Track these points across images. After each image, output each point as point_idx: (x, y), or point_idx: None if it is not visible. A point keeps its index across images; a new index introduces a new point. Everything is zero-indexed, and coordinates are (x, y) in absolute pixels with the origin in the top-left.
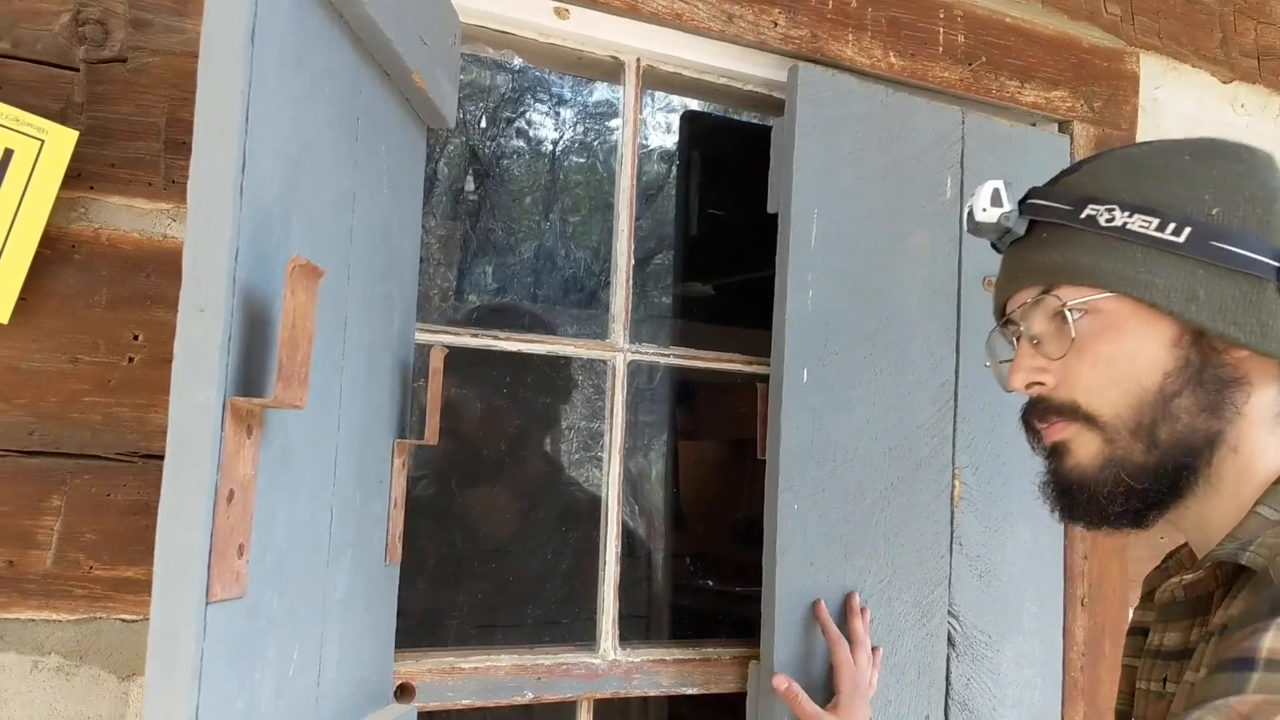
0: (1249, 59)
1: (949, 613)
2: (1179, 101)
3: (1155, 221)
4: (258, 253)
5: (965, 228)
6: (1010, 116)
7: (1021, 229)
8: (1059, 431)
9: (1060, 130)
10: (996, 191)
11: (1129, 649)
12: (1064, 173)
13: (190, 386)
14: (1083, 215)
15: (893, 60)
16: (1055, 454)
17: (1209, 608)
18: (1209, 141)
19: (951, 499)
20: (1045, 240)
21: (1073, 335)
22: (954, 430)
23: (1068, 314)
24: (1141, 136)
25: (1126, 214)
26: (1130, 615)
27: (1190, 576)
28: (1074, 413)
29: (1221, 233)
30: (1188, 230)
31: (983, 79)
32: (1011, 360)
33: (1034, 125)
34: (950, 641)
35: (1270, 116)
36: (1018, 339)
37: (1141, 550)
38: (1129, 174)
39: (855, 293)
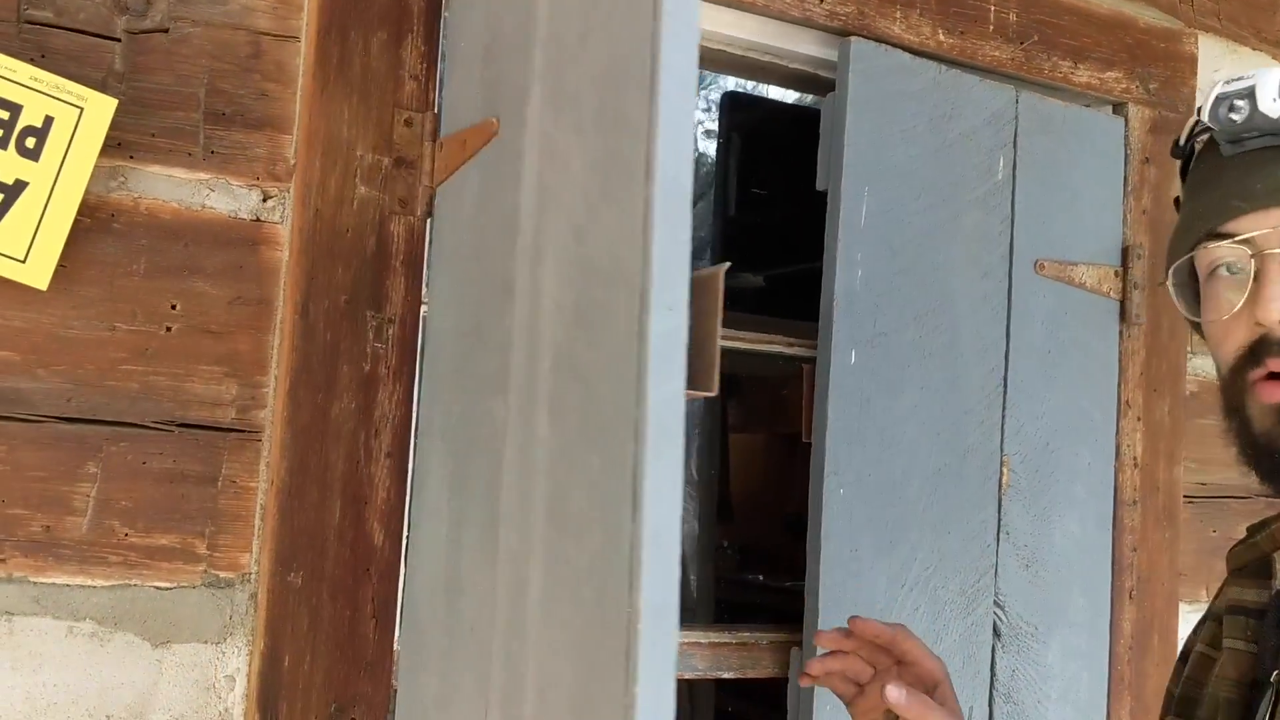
0: None
1: (995, 603)
2: None
3: None
4: None
5: (1208, 118)
6: (1064, 97)
7: None
8: None
9: (1115, 112)
10: (1269, 84)
11: (1237, 630)
12: None
13: (664, 378)
14: None
15: (942, 38)
16: None
17: None
18: None
19: (999, 487)
20: None
21: None
22: (1003, 417)
23: None
24: None
25: None
26: (1213, 598)
27: None
28: None
29: None
30: None
31: (1035, 59)
32: (1249, 292)
33: (1088, 106)
34: (996, 632)
35: None
36: (1259, 265)
37: (1190, 544)
38: None
39: (905, 273)
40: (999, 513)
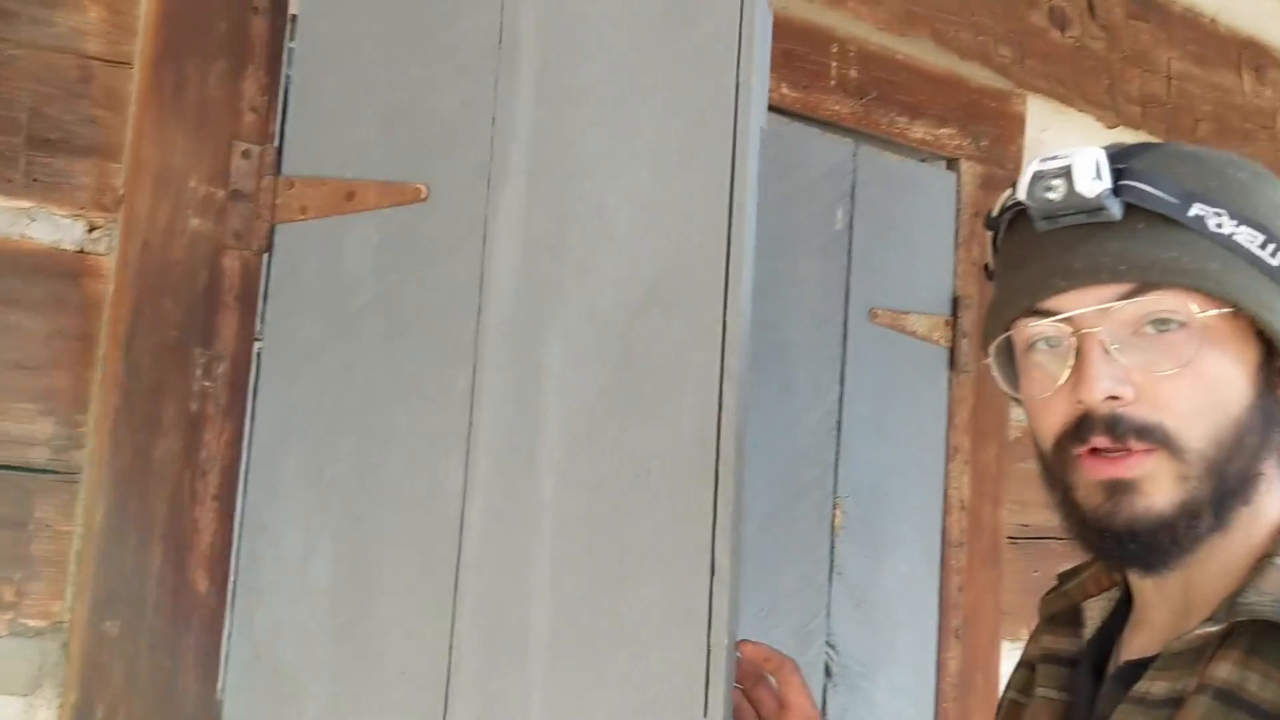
0: (1133, 105)
1: (827, 643)
2: (1064, 144)
3: (1261, 238)
4: None
5: (1024, 195)
6: (900, 151)
7: (1118, 213)
8: (1138, 464)
9: (948, 167)
10: (1099, 162)
11: (1049, 680)
12: (1125, 155)
13: None
14: (1191, 213)
15: (785, 91)
16: (1119, 491)
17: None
18: (1245, 159)
19: (832, 529)
20: (1142, 233)
21: (1194, 349)
22: (836, 459)
23: (1183, 322)
24: None
25: (1235, 223)
26: (1025, 646)
27: (1211, 629)
28: (1161, 439)
29: None
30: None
31: (874, 113)
32: (1070, 370)
33: (924, 160)
34: (828, 671)
35: None
36: (1080, 343)
37: (1013, 584)
38: (1219, 178)
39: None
40: (831, 553)
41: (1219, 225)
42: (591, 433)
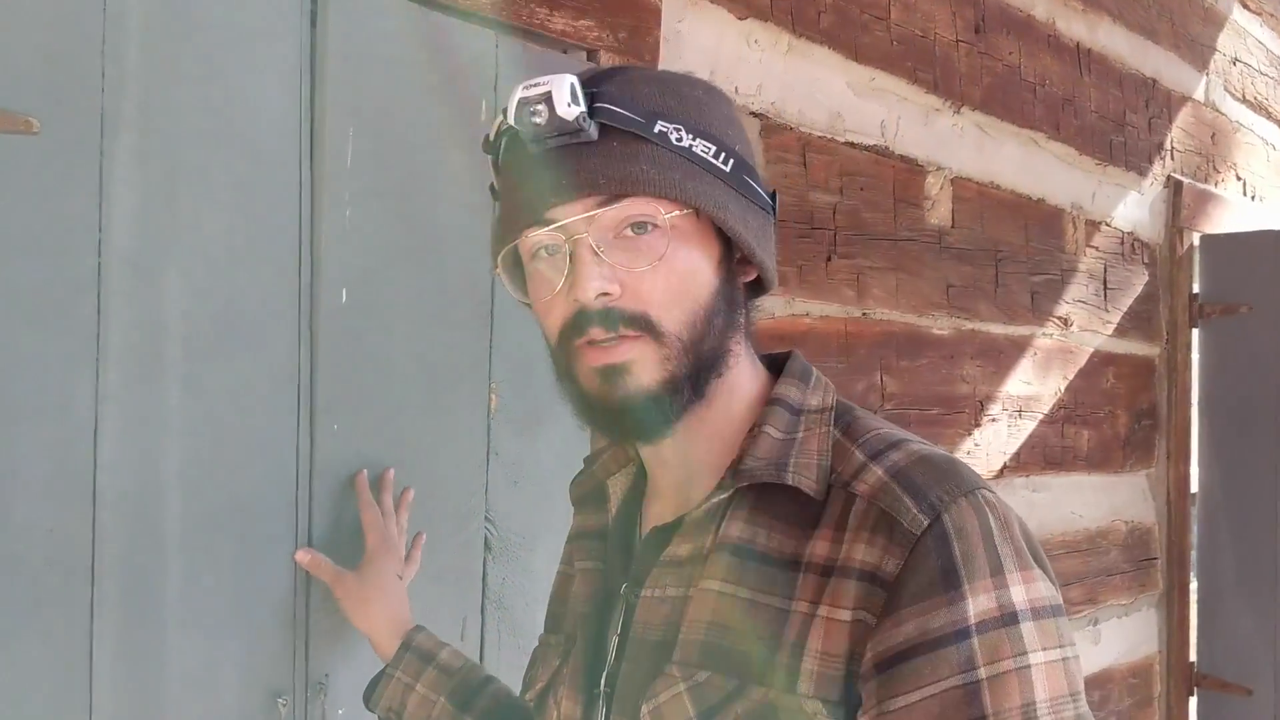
0: None
1: (486, 518)
2: (699, 35)
3: (713, 148)
4: None
5: (514, 120)
6: (541, 43)
7: (594, 133)
8: (626, 350)
9: (589, 59)
10: (574, 88)
11: (584, 553)
12: (597, 80)
13: None
14: (655, 130)
15: None
16: (613, 374)
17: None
18: (700, 79)
19: (488, 412)
20: (616, 149)
21: (664, 246)
22: (490, 345)
23: (655, 224)
24: (664, 67)
25: (691, 137)
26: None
27: (722, 495)
28: (645, 326)
29: (747, 168)
30: (731, 162)
31: (514, 4)
32: (566, 273)
33: (565, 53)
34: (487, 545)
35: (780, 52)
36: (573, 249)
37: None
38: (677, 97)
39: (395, 213)
40: (488, 435)
41: (679, 139)
42: (208, 350)
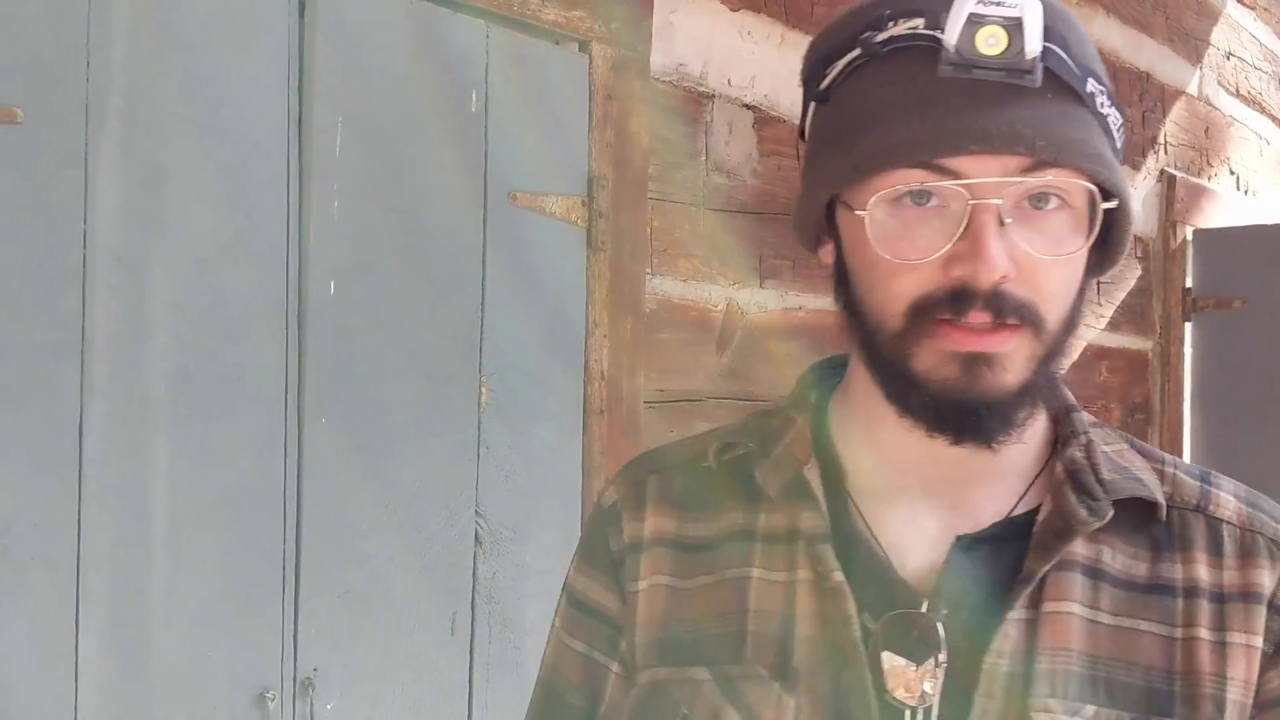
0: None
1: (476, 512)
2: (691, 27)
3: (1120, 120)
4: None
5: (955, 36)
6: (533, 34)
7: (1040, 80)
8: (1004, 339)
9: (580, 50)
10: (1044, 21)
11: (741, 558)
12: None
13: None
14: (1087, 89)
15: None
16: (979, 364)
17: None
18: None
19: (479, 406)
20: (1051, 104)
21: (1067, 231)
22: (481, 339)
23: (1065, 203)
24: (656, 59)
25: (1109, 104)
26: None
27: (1100, 520)
28: (1032, 317)
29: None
30: (1122, 137)
31: None
32: (956, 237)
33: (557, 44)
34: (478, 539)
35: (773, 44)
36: (973, 212)
37: (651, 444)
38: (1092, 51)
39: (384, 205)
40: (479, 429)
41: (1103, 105)
42: (195, 344)
